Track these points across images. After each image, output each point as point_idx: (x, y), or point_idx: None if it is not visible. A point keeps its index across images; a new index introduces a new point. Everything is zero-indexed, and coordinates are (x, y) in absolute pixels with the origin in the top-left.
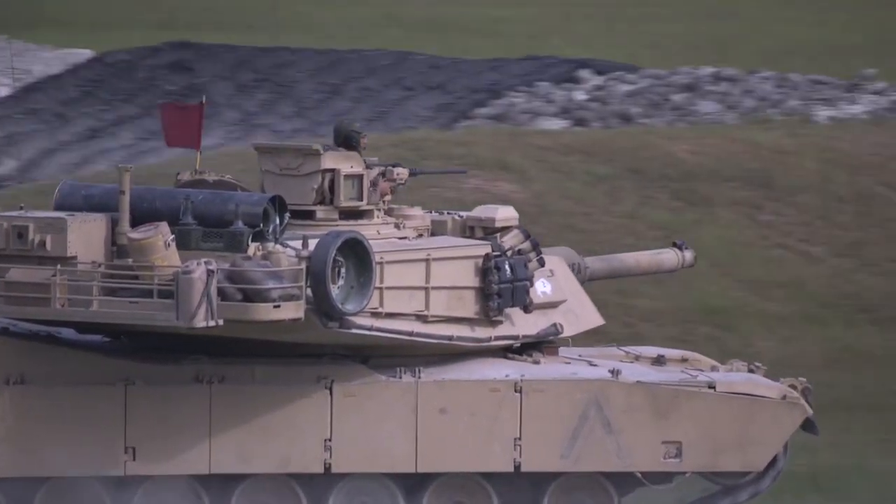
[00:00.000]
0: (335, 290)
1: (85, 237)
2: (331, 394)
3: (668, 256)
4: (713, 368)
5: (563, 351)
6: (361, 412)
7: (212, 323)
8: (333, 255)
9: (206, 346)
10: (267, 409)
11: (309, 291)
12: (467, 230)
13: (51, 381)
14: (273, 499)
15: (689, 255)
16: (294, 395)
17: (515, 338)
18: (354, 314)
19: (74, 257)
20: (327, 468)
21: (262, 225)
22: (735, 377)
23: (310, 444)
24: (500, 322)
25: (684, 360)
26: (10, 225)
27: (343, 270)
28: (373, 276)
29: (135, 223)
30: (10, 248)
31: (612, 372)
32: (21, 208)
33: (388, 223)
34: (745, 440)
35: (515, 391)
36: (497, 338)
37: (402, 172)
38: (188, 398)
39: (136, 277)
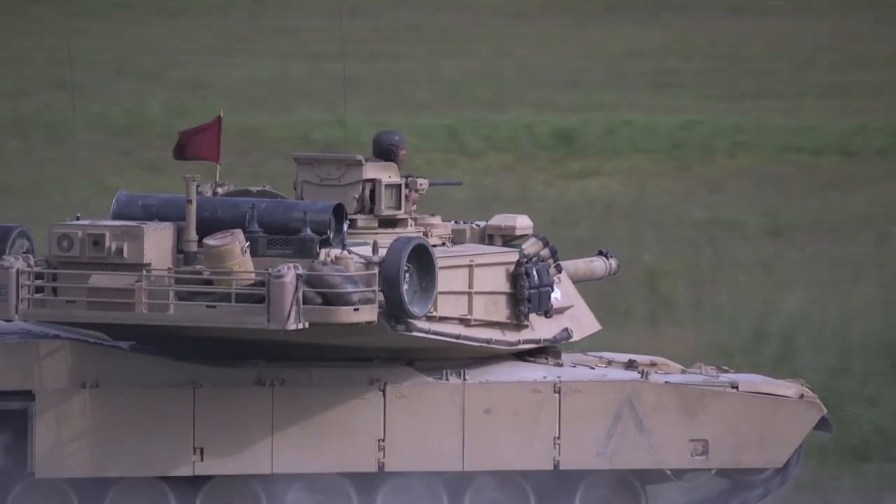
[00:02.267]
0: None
1: (157, 245)
2: (384, 395)
3: (599, 265)
4: (683, 372)
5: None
6: (412, 413)
7: (300, 326)
8: (405, 259)
9: (260, 351)
10: (325, 410)
11: (380, 295)
12: (486, 238)
13: (124, 385)
14: (326, 498)
15: (614, 262)
16: (349, 396)
17: (537, 342)
18: (420, 317)
19: (149, 264)
20: (381, 467)
21: (328, 232)
22: (754, 378)
23: (365, 443)
24: (526, 326)
25: (653, 364)
26: (86, 233)
27: (408, 275)
28: (435, 280)
29: (197, 232)
30: (86, 256)
31: (641, 373)
32: (77, 218)
33: (418, 231)
34: (766, 438)
35: (555, 392)
36: (524, 341)
37: (423, 183)
38: (251, 400)
39: (210, 283)
